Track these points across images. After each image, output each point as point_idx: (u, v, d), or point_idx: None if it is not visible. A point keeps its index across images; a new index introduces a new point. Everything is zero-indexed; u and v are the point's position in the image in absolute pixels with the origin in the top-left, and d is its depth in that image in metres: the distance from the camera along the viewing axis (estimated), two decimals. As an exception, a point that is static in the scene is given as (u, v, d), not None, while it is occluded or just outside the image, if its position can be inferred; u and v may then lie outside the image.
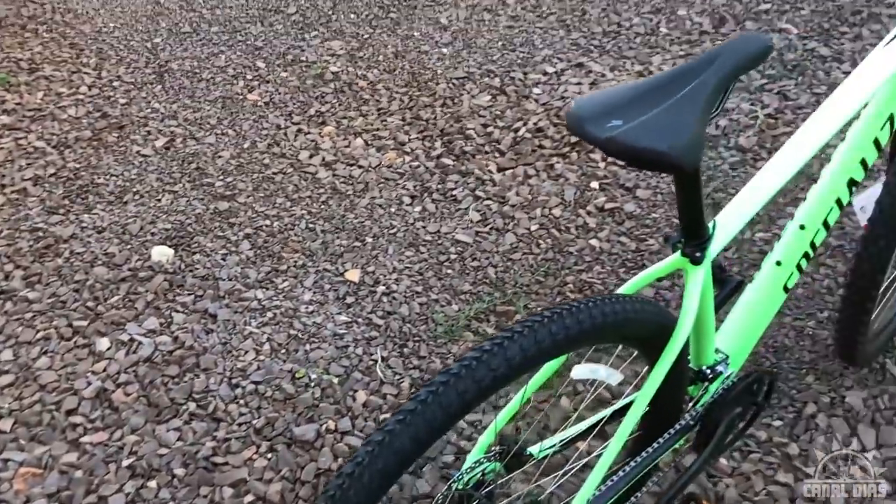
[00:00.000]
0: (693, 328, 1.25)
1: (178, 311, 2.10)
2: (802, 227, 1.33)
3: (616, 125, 0.86)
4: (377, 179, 2.47)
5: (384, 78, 2.91)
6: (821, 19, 2.96)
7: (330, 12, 3.30)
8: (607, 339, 1.08)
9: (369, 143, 2.62)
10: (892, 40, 1.25)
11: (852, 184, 1.31)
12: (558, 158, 2.51)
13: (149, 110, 2.81)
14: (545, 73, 2.88)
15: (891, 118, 1.29)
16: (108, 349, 2.00)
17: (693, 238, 1.08)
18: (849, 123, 1.28)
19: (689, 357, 1.32)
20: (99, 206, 2.43)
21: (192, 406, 1.86)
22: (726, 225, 1.15)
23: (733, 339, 1.38)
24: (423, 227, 2.31)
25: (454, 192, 2.42)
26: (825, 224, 1.33)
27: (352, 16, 3.27)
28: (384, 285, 2.13)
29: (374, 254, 2.23)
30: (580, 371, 1.13)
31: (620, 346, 1.29)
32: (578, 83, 2.80)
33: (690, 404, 1.36)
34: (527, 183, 2.44)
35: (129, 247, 2.28)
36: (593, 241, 2.22)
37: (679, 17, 3.08)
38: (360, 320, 2.05)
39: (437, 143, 2.60)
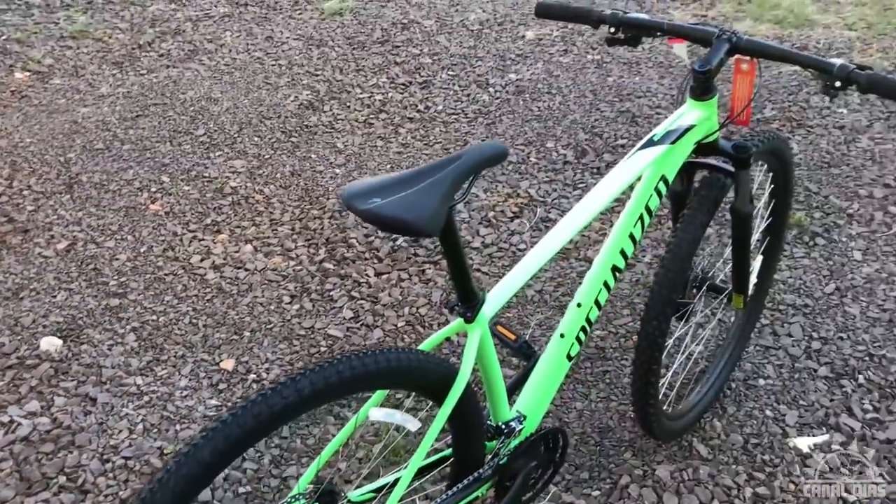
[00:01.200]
0: (487, 387, 1.50)
1: (59, 395, 2.24)
2: (579, 305, 1.61)
3: (375, 201, 1.12)
4: (261, 281, 2.70)
5: (279, 193, 3.19)
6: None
7: (236, 135, 3.60)
8: (393, 385, 1.31)
9: (258, 248, 2.86)
10: (634, 153, 1.58)
11: (615, 270, 1.61)
12: (430, 265, 2.79)
13: (55, 217, 3.02)
14: (425, 193, 3.20)
15: (640, 217, 1.60)
16: (-12, 429, 2.13)
17: (465, 301, 1.34)
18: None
19: (486, 413, 1.56)
20: (-5, 301, 2.59)
21: (62, 479, 2.00)
22: (497, 295, 1.42)
23: (529, 400, 1.62)
24: (299, 323, 2.53)
25: (331, 293, 2.66)
26: (597, 303, 1.61)
27: (255, 139, 3.58)
28: (255, 374, 2.33)
29: (249, 346, 2.43)
30: (377, 414, 1.35)
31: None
32: (454, 202, 3.12)
33: (490, 457, 1.58)
34: (399, 285, 2.70)
35: (19, 337, 2.44)
36: (452, 336, 2.47)
37: (547, 149, 3.47)
38: (229, 404, 2.23)
39: (322, 250, 2.86)
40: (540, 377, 1.63)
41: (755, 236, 2.15)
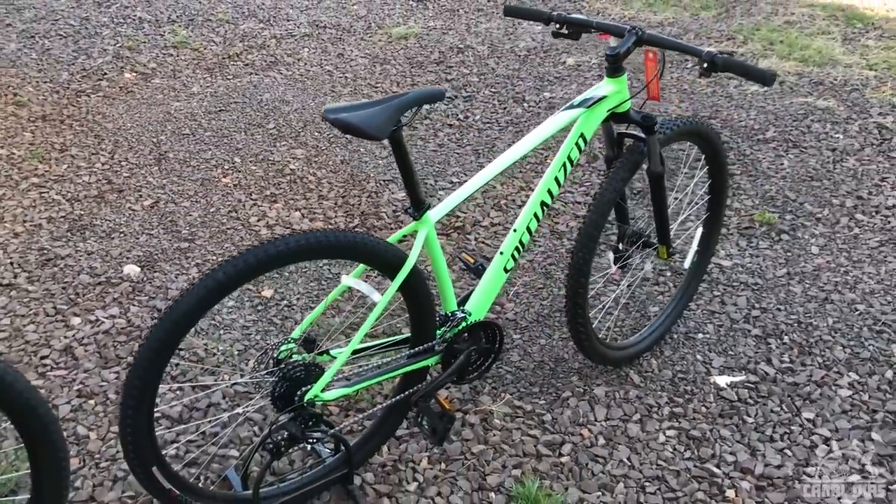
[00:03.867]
0: (437, 280, 2.02)
1: (134, 306, 2.85)
2: (515, 231, 2.11)
3: (343, 114, 1.67)
4: (303, 238, 3.28)
5: (329, 176, 3.79)
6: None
7: (300, 130, 4.23)
8: (358, 257, 1.83)
9: (305, 215, 3.45)
10: (558, 113, 2.09)
11: (544, 204, 2.11)
12: (442, 237, 3.32)
13: (144, 182, 3.68)
14: (451, 182, 3.75)
15: (564, 165, 2.10)
16: (79, 323, 2.75)
17: (414, 205, 1.87)
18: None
19: (435, 303, 2.07)
20: (92, 239, 3.24)
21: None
22: (442, 205, 1.94)
23: (474, 301, 2.13)
24: (328, 270, 3.09)
25: (358, 251, 3.21)
26: (528, 230, 2.11)
27: (316, 134, 4.21)
28: (287, 300, 2.90)
29: (286, 282, 3.00)
30: (348, 280, 1.88)
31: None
32: (473, 190, 3.66)
33: (439, 338, 2.08)
34: (415, 250, 3.23)
35: (108, 264, 3.07)
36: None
37: (563, 153, 3.97)
38: (263, 320, 2.80)
39: (356, 219, 3.43)
40: (484, 284, 2.14)
41: (690, 209, 2.61)
